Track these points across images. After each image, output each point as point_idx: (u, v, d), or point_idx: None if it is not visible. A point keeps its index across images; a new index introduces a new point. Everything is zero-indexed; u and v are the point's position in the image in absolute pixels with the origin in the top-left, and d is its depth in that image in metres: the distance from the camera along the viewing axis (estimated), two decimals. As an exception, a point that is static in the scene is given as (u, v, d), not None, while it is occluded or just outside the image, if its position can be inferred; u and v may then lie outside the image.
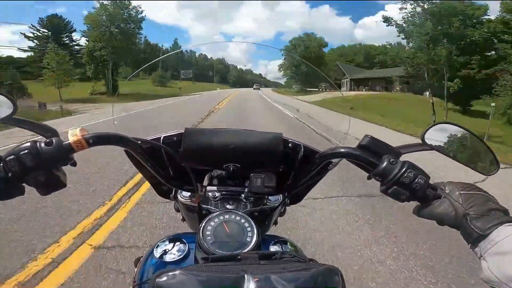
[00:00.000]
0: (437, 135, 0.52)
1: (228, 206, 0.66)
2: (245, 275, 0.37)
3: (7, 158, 0.43)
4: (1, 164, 0.44)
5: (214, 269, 0.39)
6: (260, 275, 0.38)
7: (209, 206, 0.66)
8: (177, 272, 0.37)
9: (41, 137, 0.48)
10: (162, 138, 0.66)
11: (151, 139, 0.62)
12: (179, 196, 0.72)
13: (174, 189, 0.73)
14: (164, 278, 0.36)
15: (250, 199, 0.68)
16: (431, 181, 0.48)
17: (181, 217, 0.81)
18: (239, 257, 0.45)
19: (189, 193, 0.70)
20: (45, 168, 0.44)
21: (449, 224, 0.46)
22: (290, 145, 0.67)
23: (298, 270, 0.39)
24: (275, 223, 0.80)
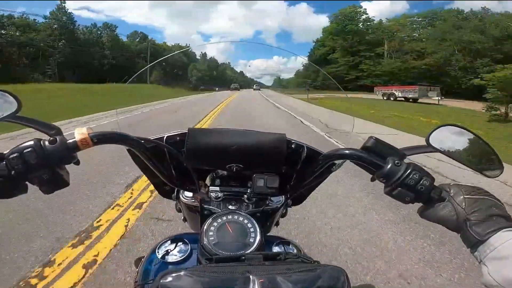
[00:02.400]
0: (441, 137, 0.52)
1: (230, 207, 0.66)
2: (250, 276, 0.37)
3: (10, 156, 0.43)
4: (4, 162, 0.43)
5: (218, 270, 0.38)
6: (265, 276, 0.37)
7: (211, 207, 0.66)
8: (181, 273, 0.36)
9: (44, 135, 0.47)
10: (165, 137, 0.65)
11: (154, 139, 0.62)
12: (181, 196, 0.71)
13: (176, 189, 0.72)
14: (169, 279, 0.36)
15: (253, 200, 0.68)
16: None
17: (182, 217, 0.81)
18: (243, 257, 0.45)
19: (191, 193, 0.70)
20: (48, 167, 0.44)
21: (450, 227, 0.46)
22: (293, 146, 0.67)
23: (303, 271, 0.39)
24: (277, 224, 0.80)
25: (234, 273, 0.38)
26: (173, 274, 0.36)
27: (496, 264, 0.40)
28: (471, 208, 0.44)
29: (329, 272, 0.39)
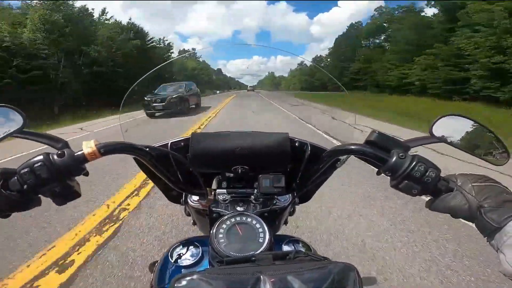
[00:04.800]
0: (445, 127, 0.51)
1: (238, 208, 0.67)
2: (261, 276, 0.37)
3: (22, 171, 0.44)
4: (16, 177, 0.44)
5: (229, 272, 0.39)
6: (276, 276, 0.38)
7: (219, 209, 0.67)
8: (194, 276, 0.37)
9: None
10: (169, 144, 0.66)
11: (159, 146, 0.63)
12: (189, 201, 0.72)
13: (184, 193, 0.73)
14: (183, 283, 0.37)
15: (260, 200, 0.68)
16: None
17: (192, 221, 0.82)
18: (253, 258, 0.45)
19: (199, 197, 0.71)
20: (59, 179, 0.45)
21: (463, 217, 0.45)
22: (297, 144, 0.67)
23: (314, 269, 0.39)
24: (285, 222, 0.80)
25: (245, 274, 0.38)
26: (187, 278, 0.37)
27: None
28: (481, 195, 0.44)
29: (340, 269, 0.39)
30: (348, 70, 40.36)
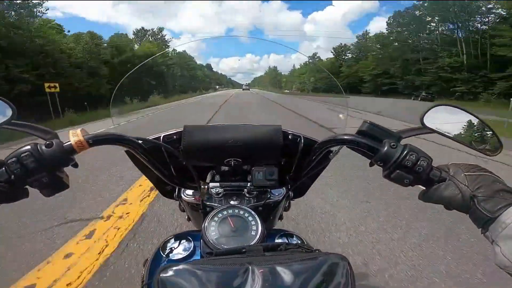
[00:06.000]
0: (436, 118, 0.51)
1: (231, 202, 0.66)
2: (250, 266, 0.37)
3: (9, 161, 0.43)
4: (3, 168, 0.44)
5: (218, 263, 0.39)
6: (265, 267, 0.37)
7: (212, 203, 0.67)
8: (180, 266, 0.37)
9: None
10: (162, 137, 0.66)
11: (151, 138, 0.63)
12: (183, 195, 0.72)
13: (177, 188, 0.73)
14: (169, 273, 0.36)
15: (253, 194, 0.68)
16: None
17: (186, 217, 0.81)
18: (243, 250, 0.45)
19: (192, 191, 0.71)
20: (47, 170, 0.45)
21: (457, 207, 0.45)
22: (290, 136, 0.67)
23: (304, 259, 0.39)
24: (281, 218, 0.80)
25: (233, 265, 0.38)
26: (173, 268, 0.36)
27: (509, 243, 0.38)
28: (474, 184, 0.43)
29: (331, 260, 0.39)
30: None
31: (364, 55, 44.53)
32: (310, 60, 51.22)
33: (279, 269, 0.37)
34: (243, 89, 57.29)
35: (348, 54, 49.25)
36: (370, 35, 46.11)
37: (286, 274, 0.37)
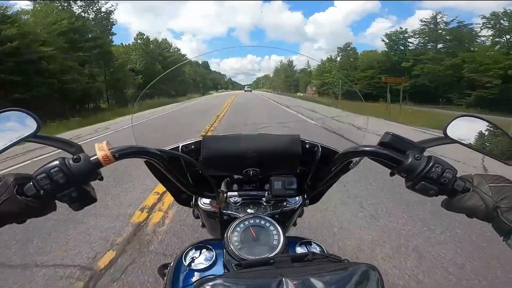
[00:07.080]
0: (459, 128, 0.51)
1: (249, 211, 0.67)
2: (283, 279, 0.37)
3: (38, 177, 0.43)
4: (31, 182, 0.44)
5: (251, 275, 0.39)
6: (298, 278, 0.38)
7: (230, 212, 0.67)
8: (217, 281, 0.37)
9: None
10: (180, 147, 0.66)
11: (170, 149, 0.63)
12: (200, 203, 0.72)
13: (194, 196, 0.73)
14: None
15: (271, 202, 0.68)
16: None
17: (200, 223, 0.82)
18: (271, 261, 0.45)
19: (209, 200, 0.71)
20: (76, 185, 0.45)
21: (480, 217, 0.46)
22: (307, 146, 0.67)
23: (336, 270, 0.39)
24: (294, 224, 0.80)
25: (267, 277, 0.38)
26: (210, 283, 0.37)
27: None
28: (498, 196, 0.44)
29: (362, 270, 0.39)
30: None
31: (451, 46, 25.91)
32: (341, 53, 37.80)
33: (313, 280, 0.38)
34: (245, 91, 54.60)
35: (410, 43, 30.20)
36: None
37: (319, 285, 0.37)
